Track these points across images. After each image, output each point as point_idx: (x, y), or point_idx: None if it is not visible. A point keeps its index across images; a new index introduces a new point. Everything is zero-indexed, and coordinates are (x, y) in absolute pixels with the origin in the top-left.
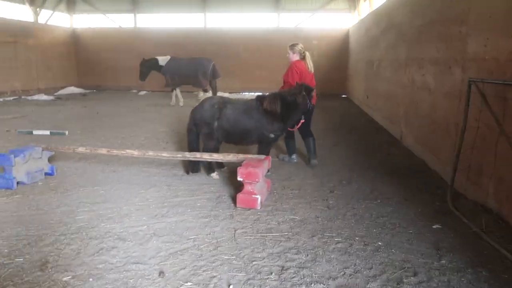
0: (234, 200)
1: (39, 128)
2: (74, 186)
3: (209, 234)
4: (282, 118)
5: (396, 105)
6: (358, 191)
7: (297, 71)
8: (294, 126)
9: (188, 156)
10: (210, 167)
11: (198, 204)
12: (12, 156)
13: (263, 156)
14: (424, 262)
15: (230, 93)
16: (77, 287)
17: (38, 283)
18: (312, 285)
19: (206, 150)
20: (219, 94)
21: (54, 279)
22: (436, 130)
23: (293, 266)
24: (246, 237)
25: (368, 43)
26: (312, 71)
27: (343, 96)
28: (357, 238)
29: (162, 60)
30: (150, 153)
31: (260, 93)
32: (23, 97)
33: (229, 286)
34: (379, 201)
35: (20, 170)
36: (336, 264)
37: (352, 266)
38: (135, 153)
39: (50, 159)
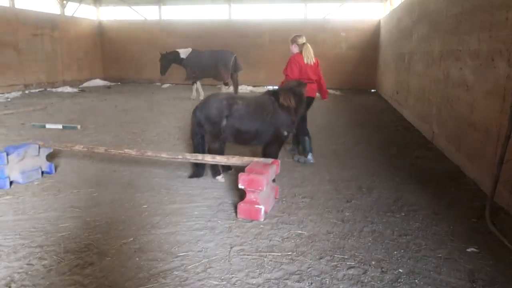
0: (236, 208)
1: (55, 121)
2: (68, 187)
3: (201, 251)
4: (295, 112)
5: (428, 102)
6: (379, 201)
7: (296, 65)
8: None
9: (189, 157)
10: (216, 169)
11: (196, 213)
12: (5, 154)
13: (270, 160)
14: None
15: (254, 86)
16: None
17: None
18: None
19: (210, 151)
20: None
21: None
22: (473, 133)
23: None
24: (242, 257)
25: (400, 35)
26: (311, 62)
27: (372, 91)
28: (373, 263)
29: (183, 52)
30: (149, 153)
31: (270, 88)
32: (48, 89)
33: None
34: (403, 214)
35: (15, 168)
36: None
37: None
38: (133, 153)
39: (52, 156)
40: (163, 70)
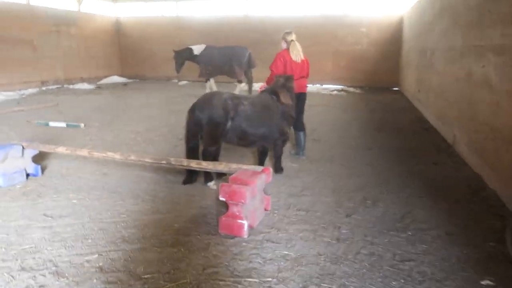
0: None
1: (64, 119)
2: (48, 192)
3: (168, 272)
4: (292, 108)
5: (448, 102)
6: (384, 216)
7: (281, 60)
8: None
9: (173, 163)
10: (208, 175)
11: (176, 225)
12: None
13: (260, 168)
14: None
15: None
16: None
17: None
18: None
19: (206, 154)
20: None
21: None
22: (497, 139)
23: None
24: (213, 282)
25: (422, 29)
26: (298, 60)
27: (394, 89)
28: None
29: (197, 49)
30: (132, 157)
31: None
32: (65, 85)
33: None
34: (409, 233)
35: None
36: None
37: None
38: (117, 156)
39: (43, 157)
40: (178, 67)
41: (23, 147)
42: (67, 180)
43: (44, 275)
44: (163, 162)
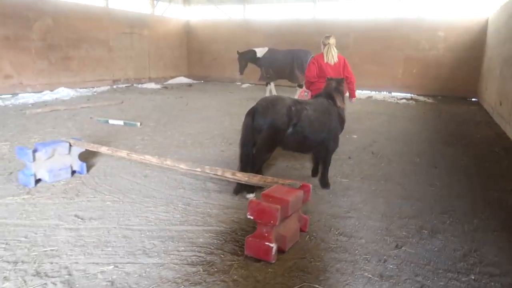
0: None
1: (125, 117)
2: (86, 192)
3: None
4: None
5: None
6: (442, 252)
7: (314, 64)
8: None
9: (208, 171)
10: (250, 186)
11: (201, 240)
12: (31, 151)
13: (298, 184)
14: None
15: None
16: None
17: None
18: None
19: (258, 161)
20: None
21: None
22: None
23: None
24: None
25: (509, 34)
26: (331, 62)
27: (473, 100)
28: None
29: (260, 51)
30: (168, 162)
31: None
32: (134, 85)
33: None
34: (472, 277)
35: (42, 166)
36: None
37: None
38: (154, 160)
39: (94, 155)
40: (241, 69)
41: (70, 145)
42: (108, 180)
43: (55, 284)
44: (197, 170)
